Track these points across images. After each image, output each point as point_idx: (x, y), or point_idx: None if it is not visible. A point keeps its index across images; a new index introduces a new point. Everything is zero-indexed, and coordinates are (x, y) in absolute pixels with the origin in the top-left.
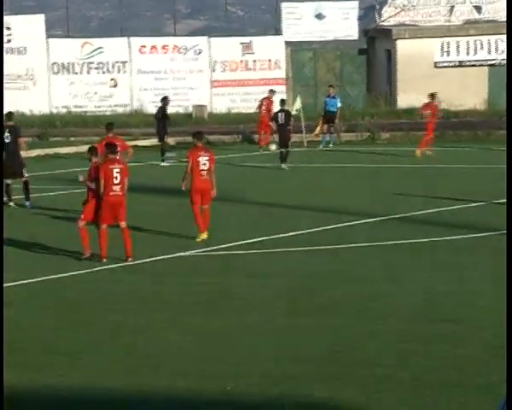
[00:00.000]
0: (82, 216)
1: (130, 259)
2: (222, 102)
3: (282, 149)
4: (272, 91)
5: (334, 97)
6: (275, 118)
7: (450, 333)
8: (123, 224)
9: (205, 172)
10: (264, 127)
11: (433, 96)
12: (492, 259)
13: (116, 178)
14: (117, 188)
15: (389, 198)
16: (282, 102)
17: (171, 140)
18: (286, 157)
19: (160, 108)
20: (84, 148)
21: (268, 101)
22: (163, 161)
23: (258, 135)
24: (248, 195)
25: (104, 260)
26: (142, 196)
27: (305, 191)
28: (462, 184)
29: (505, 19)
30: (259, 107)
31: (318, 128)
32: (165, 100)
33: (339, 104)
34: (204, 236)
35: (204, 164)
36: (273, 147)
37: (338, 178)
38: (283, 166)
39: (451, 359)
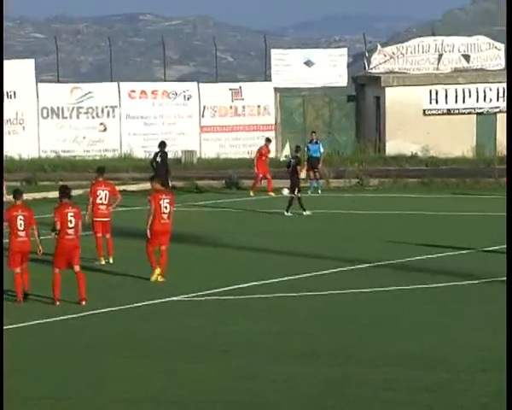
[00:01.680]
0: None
1: (83, 302)
2: (211, 148)
3: (293, 195)
4: (269, 140)
5: (316, 143)
6: (287, 164)
7: (438, 381)
8: (76, 268)
9: (166, 216)
10: (263, 172)
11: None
12: (479, 306)
13: (70, 221)
14: (71, 232)
15: (378, 244)
16: (297, 148)
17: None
18: (290, 204)
19: (160, 153)
20: (74, 192)
21: (265, 149)
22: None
23: (255, 180)
24: (237, 239)
25: (57, 303)
26: (127, 241)
27: (294, 236)
28: (451, 230)
29: (493, 68)
30: (258, 156)
31: (302, 172)
32: (162, 145)
33: (321, 149)
34: (157, 272)
35: (165, 207)
36: (285, 192)
37: (325, 224)
38: (287, 213)
39: (441, 407)
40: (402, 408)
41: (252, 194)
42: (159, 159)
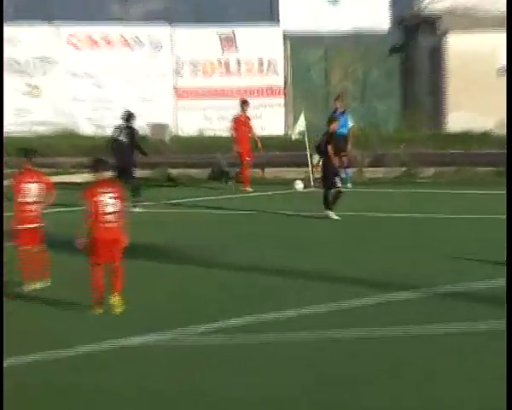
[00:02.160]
0: None
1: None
2: (191, 121)
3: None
4: (245, 103)
5: (343, 113)
6: (318, 146)
7: None
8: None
9: (111, 217)
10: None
11: None
12: None
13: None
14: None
15: (439, 260)
16: (331, 119)
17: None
18: (335, 200)
19: (124, 129)
20: None
21: (244, 116)
22: (135, 206)
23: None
24: (230, 254)
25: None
26: (69, 256)
27: (308, 252)
28: None
29: None
30: (236, 127)
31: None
32: (130, 117)
33: (350, 123)
34: (99, 311)
35: (109, 205)
36: (299, 185)
37: (354, 232)
38: (330, 213)
39: None
40: None
41: (247, 189)
42: (123, 138)
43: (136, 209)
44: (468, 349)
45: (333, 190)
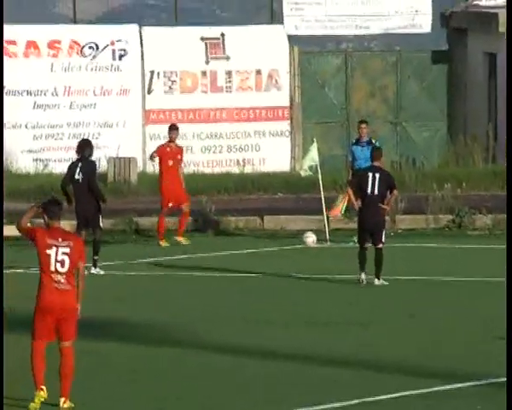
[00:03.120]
0: None
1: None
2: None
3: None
4: (174, 128)
5: (369, 143)
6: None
7: None
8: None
9: (61, 278)
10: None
11: None
12: None
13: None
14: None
15: (493, 345)
16: (375, 149)
17: (65, 226)
18: (380, 264)
19: (82, 165)
20: None
21: (168, 149)
22: (95, 265)
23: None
24: (219, 332)
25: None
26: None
27: (320, 331)
28: None
29: None
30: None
31: (341, 204)
32: (87, 148)
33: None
34: (41, 395)
35: (60, 262)
36: (310, 239)
37: (396, 305)
38: (377, 281)
39: None
40: None
41: (162, 243)
42: (79, 176)
43: (96, 271)
44: None
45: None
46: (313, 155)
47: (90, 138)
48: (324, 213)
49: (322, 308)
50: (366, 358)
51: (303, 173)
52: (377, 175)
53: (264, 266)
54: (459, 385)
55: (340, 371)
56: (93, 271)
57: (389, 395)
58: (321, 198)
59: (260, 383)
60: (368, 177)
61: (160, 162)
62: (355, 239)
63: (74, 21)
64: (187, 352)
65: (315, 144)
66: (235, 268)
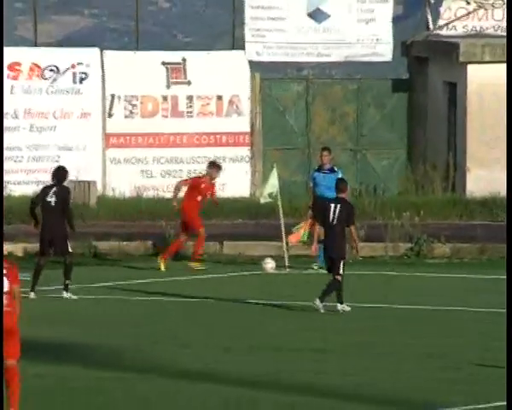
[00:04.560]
0: None
1: None
2: (125, 177)
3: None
4: (215, 166)
5: (331, 171)
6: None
7: None
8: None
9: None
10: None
11: None
12: None
13: None
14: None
15: (454, 375)
16: (341, 181)
17: (21, 248)
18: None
19: (55, 190)
20: None
21: (207, 184)
22: (67, 289)
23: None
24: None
25: None
26: None
27: (272, 357)
28: None
29: None
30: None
31: (302, 229)
32: (63, 173)
33: None
34: None
35: None
36: (268, 266)
37: (352, 334)
38: (340, 307)
39: None
40: None
41: (163, 267)
42: (51, 199)
43: (68, 295)
44: None
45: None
46: (273, 182)
47: (49, 162)
48: (284, 239)
49: (274, 334)
50: (318, 384)
51: (262, 200)
52: (338, 207)
53: (220, 291)
54: None
55: (290, 397)
56: (65, 295)
57: None
58: (280, 224)
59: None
60: (330, 207)
61: (189, 191)
62: (313, 266)
63: (35, 44)
64: (134, 375)
65: (275, 171)
66: (191, 293)
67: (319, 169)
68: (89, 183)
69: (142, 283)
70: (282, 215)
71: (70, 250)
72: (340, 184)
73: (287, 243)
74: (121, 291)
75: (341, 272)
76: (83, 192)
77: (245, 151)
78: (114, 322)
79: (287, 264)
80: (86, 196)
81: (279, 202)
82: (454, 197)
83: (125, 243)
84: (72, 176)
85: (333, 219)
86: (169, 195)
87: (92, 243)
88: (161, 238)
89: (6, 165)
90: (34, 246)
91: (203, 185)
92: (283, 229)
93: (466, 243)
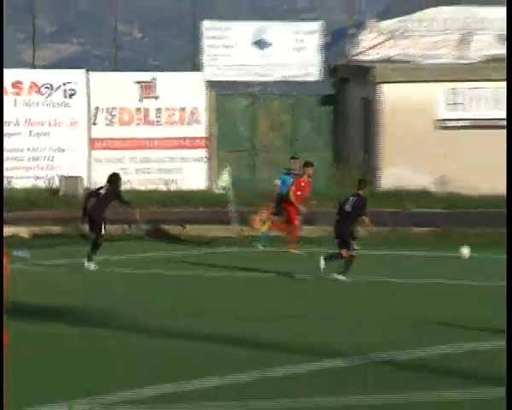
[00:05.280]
0: None
1: None
2: (106, 173)
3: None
4: (310, 164)
5: (295, 175)
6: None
7: None
8: None
9: None
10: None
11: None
12: None
13: None
14: None
15: (364, 329)
16: (362, 183)
17: (23, 230)
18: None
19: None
20: None
21: (303, 183)
22: (90, 259)
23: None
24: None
25: None
26: None
27: (227, 318)
28: (477, 311)
29: None
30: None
31: (261, 216)
32: (114, 179)
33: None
34: None
35: None
36: (465, 251)
37: (281, 297)
38: (337, 276)
39: None
40: None
41: (295, 251)
42: (104, 191)
43: (90, 265)
44: None
45: (346, 253)
46: (225, 178)
47: (45, 161)
48: (235, 222)
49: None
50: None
51: (217, 191)
52: (355, 199)
53: (189, 266)
54: (342, 362)
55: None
56: (86, 264)
57: (278, 371)
58: (232, 211)
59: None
60: (349, 198)
61: (293, 189)
62: (258, 245)
63: (33, 66)
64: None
65: (227, 169)
66: (162, 267)
67: (288, 173)
68: (77, 177)
69: (121, 258)
70: (233, 204)
71: (102, 231)
72: (360, 183)
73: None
74: (102, 266)
75: (354, 247)
76: (72, 185)
77: (203, 153)
78: (94, 289)
79: (238, 242)
80: (75, 188)
81: (231, 193)
82: (371, 190)
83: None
84: (63, 172)
85: (348, 208)
86: (143, 187)
87: (79, 226)
88: (136, 222)
89: (10, 164)
90: (33, 229)
91: (303, 184)
92: (235, 215)
93: (377, 226)
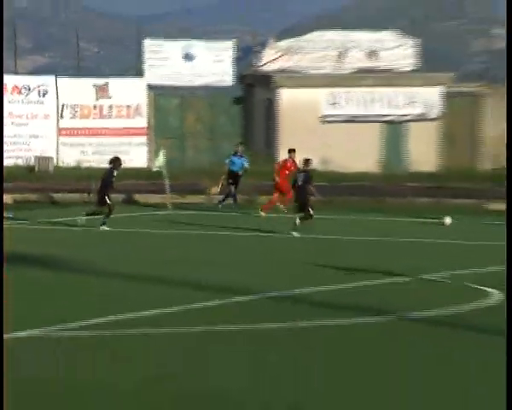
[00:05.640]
0: None
1: None
2: (71, 154)
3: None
4: (293, 151)
5: (241, 156)
6: (293, 181)
7: None
8: None
9: None
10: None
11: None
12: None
13: None
14: None
15: (266, 272)
16: (307, 160)
17: (8, 197)
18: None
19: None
20: None
21: (289, 163)
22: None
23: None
24: (102, 265)
25: None
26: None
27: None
28: (352, 258)
29: (404, 68)
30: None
31: (216, 187)
32: (114, 161)
33: (246, 164)
34: None
35: None
36: (448, 220)
37: (205, 248)
38: (294, 233)
39: None
40: None
41: (263, 214)
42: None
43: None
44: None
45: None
46: (161, 159)
47: (23, 145)
48: (168, 193)
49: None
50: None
51: (154, 169)
52: (303, 174)
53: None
54: (242, 298)
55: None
56: (101, 228)
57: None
58: (166, 183)
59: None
60: (299, 175)
61: (281, 170)
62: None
63: (16, 73)
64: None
65: (162, 152)
66: (120, 227)
67: (235, 154)
68: (48, 158)
69: (77, 218)
70: (166, 178)
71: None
72: (306, 162)
73: (171, 195)
74: (67, 226)
75: (310, 210)
76: (45, 164)
77: (144, 139)
78: (68, 242)
79: (170, 207)
80: (47, 166)
81: (165, 171)
82: (271, 169)
83: (70, 194)
84: (38, 153)
85: (300, 182)
86: (97, 165)
87: (49, 194)
88: (93, 192)
89: None
90: (15, 196)
91: (289, 164)
92: (167, 187)
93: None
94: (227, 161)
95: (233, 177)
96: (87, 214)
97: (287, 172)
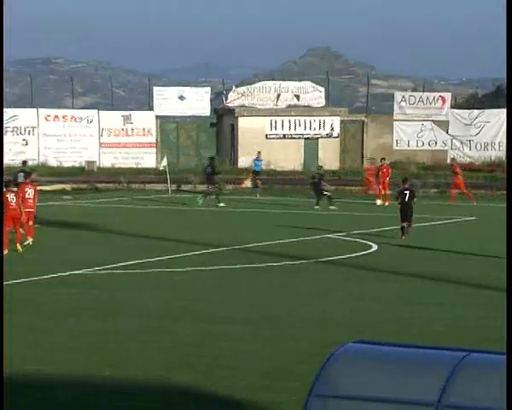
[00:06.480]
0: None
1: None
2: (108, 159)
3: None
4: (383, 159)
5: (259, 160)
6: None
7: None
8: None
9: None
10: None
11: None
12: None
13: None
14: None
15: (236, 232)
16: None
17: (68, 187)
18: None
19: (210, 166)
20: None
21: (386, 167)
22: (219, 202)
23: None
24: (122, 226)
25: None
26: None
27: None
28: (281, 223)
29: (317, 105)
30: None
31: (247, 181)
32: (211, 161)
33: (261, 165)
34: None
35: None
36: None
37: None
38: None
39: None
40: None
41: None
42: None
43: (221, 204)
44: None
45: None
46: (165, 162)
47: (78, 154)
48: (168, 182)
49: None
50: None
51: (161, 168)
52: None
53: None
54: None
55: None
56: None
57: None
58: (167, 178)
59: None
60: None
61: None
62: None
63: (73, 108)
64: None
65: (165, 157)
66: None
67: (257, 159)
68: (93, 162)
69: (112, 200)
70: (168, 174)
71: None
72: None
73: (170, 185)
74: (109, 204)
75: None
76: (91, 165)
77: (153, 150)
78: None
79: (169, 193)
80: (92, 167)
81: (167, 169)
82: (234, 167)
83: (108, 184)
84: (87, 159)
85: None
86: (124, 166)
87: (94, 184)
88: (121, 183)
89: (59, 154)
90: (74, 186)
91: (385, 170)
92: (169, 179)
93: (238, 184)
94: (253, 163)
95: (257, 173)
96: (218, 200)
97: (380, 173)
